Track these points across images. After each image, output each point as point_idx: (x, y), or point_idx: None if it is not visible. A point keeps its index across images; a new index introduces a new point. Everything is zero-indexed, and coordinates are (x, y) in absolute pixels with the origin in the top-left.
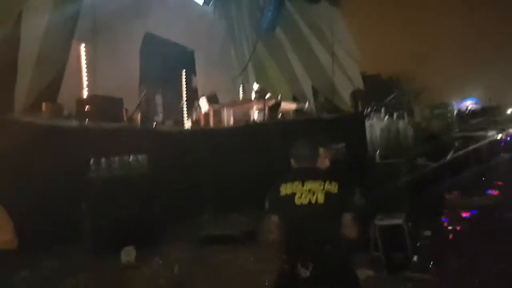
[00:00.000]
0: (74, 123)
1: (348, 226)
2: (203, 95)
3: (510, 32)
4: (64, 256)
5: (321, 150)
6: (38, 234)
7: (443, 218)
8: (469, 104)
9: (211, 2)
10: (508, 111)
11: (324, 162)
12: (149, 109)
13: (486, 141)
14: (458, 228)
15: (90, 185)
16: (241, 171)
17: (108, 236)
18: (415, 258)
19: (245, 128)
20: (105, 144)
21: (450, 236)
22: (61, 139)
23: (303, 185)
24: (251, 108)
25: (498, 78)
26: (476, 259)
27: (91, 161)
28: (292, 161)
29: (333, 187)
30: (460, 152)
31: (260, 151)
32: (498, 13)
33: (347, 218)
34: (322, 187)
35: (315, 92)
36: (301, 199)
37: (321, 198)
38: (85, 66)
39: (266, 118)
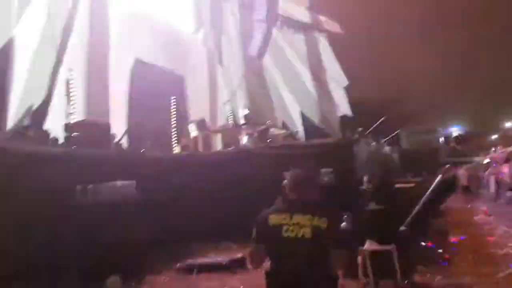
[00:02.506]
0: (60, 149)
1: (335, 262)
2: (192, 121)
3: (494, 59)
4: (49, 284)
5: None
6: (23, 262)
7: (431, 244)
8: (454, 130)
9: (201, 30)
10: (493, 137)
11: (314, 193)
12: (137, 135)
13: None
14: (447, 253)
15: (76, 212)
16: (230, 197)
17: (93, 264)
18: (404, 283)
19: (234, 153)
20: (92, 170)
21: (439, 260)
22: (48, 165)
23: (291, 217)
24: (240, 133)
25: (483, 105)
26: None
27: (78, 188)
28: (287, 190)
29: (321, 223)
30: (447, 177)
31: (249, 177)
32: (483, 41)
33: (335, 254)
34: (310, 221)
35: (303, 118)
36: (288, 232)
37: (308, 233)
38: (73, 91)
39: (255, 143)
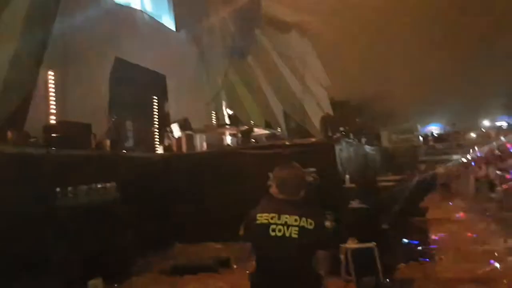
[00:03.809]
0: (40, 150)
1: (320, 262)
2: (175, 121)
3: (474, 59)
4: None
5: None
6: (1, 266)
7: (413, 241)
8: (433, 129)
9: (183, 28)
10: (471, 135)
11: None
12: (119, 135)
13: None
14: (427, 250)
15: (56, 214)
16: (214, 197)
17: (75, 267)
18: (386, 280)
19: (218, 153)
20: (72, 171)
21: (420, 257)
22: (27, 167)
23: (279, 217)
24: (223, 133)
25: (461, 104)
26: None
27: (58, 190)
28: (275, 189)
29: (308, 224)
30: (427, 175)
31: (233, 176)
32: (462, 43)
33: (320, 255)
34: (298, 222)
35: (286, 118)
36: (275, 232)
37: (295, 233)
38: (53, 92)
39: (238, 143)
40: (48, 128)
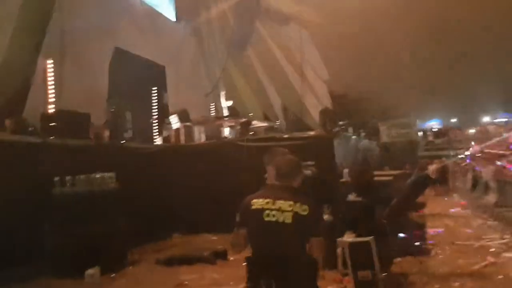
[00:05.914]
0: (38, 139)
1: (314, 249)
2: (174, 112)
3: (474, 54)
4: (26, 278)
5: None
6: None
7: (409, 235)
8: (433, 124)
9: (183, 19)
10: (470, 131)
11: (298, 180)
12: (117, 125)
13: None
14: (423, 245)
15: (54, 204)
16: (212, 189)
17: (72, 257)
18: (383, 275)
19: (216, 145)
20: (70, 161)
21: (416, 252)
22: (25, 156)
23: (274, 202)
24: (222, 125)
25: (461, 100)
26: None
27: (56, 179)
28: (273, 175)
29: (303, 210)
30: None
31: (231, 169)
32: (463, 40)
33: (314, 241)
34: (292, 207)
35: (285, 111)
36: (269, 217)
37: (289, 218)
38: (52, 80)
39: (237, 135)
40: (47, 117)
